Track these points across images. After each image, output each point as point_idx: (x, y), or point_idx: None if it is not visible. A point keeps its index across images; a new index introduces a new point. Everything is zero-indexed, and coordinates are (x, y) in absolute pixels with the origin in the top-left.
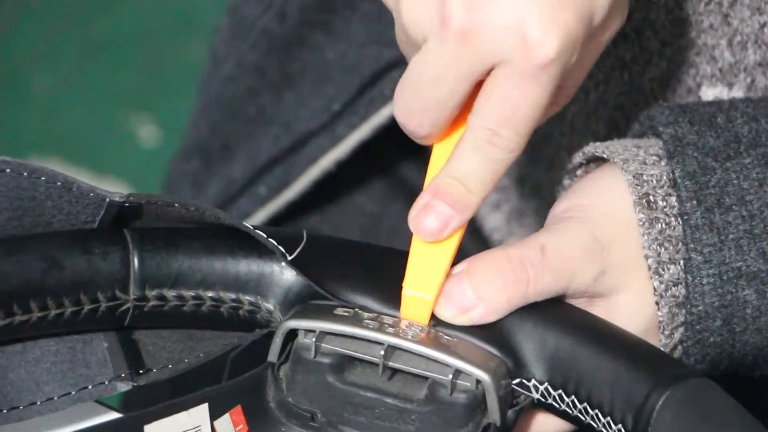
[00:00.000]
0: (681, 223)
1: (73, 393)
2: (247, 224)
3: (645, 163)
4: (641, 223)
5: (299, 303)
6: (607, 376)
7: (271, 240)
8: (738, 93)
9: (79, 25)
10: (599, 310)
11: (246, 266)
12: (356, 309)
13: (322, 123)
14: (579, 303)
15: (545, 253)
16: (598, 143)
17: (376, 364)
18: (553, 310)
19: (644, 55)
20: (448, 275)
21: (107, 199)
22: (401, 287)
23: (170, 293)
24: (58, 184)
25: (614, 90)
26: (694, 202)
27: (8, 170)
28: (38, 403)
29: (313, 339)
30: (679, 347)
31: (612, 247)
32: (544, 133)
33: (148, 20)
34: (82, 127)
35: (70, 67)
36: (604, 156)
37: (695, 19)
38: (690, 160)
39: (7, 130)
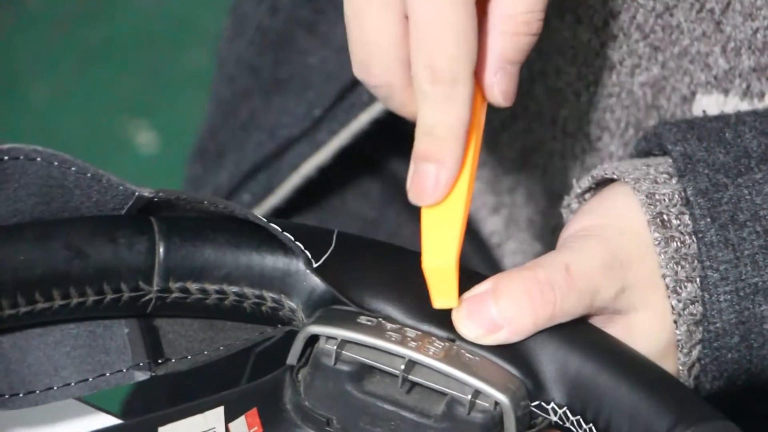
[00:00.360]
0: (696, 241)
1: (90, 380)
2: (275, 225)
3: (656, 182)
4: (657, 242)
5: (323, 305)
6: (627, 407)
7: (298, 243)
8: (734, 99)
9: (77, 32)
10: (618, 328)
11: (272, 263)
12: (380, 319)
13: (304, 129)
14: (598, 321)
15: (570, 273)
16: (606, 165)
17: (396, 376)
18: (577, 333)
19: (633, 58)
20: (463, 237)
21: (136, 193)
22: (428, 299)
23: (194, 286)
24: (88, 175)
25: (603, 91)
26: (708, 219)
27: (38, 159)
28: (55, 388)
29: (335, 346)
30: (697, 365)
31: (630, 265)
32: (536, 138)
33: (147, 27)
34: (81, 133)
35: (69, 74)
36: (615, 177)
37: (687, 27)
38: (701, 178)
39: (6, 136)
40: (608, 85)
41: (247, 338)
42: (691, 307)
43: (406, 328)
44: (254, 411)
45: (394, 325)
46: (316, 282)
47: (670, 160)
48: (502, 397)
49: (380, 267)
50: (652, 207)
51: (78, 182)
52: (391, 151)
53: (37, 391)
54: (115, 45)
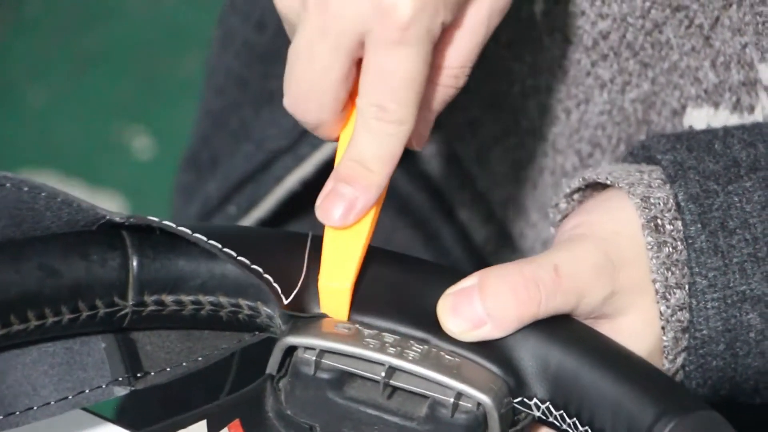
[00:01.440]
0: (686, 247)
1: (70, 398)
2: (243, 258)
3: (651, 186)
4: (650, 246)
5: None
6: (610, 401)
7: (268, 276)
8: (724, 112)
9: (73, 38)
10: (604, 330)
11: (246, 272)
12: (357, 325)
13: (289, 142)
14: (587, 322)
15: (558, 272)
16: (599, 169)
17: (377, 382)
18: (557, 328)
19: (623, 76)
20: (362, 261)
21: (106, 217)
22: (403, 301)
23: (169, 298)
24: (59, 199)
25: (594, 109)
26: (699, 225)
27: (8, 185)
28: (35, 408)
29: (313, 356)
30: (681, 372)
31: (623, 268)
32: (527, 154)
33: (143, 33)
34: (77, 139)
35: (65, 80)
36: (608, 182)
37: (677, 42)
38: (692, 183)
39: (2, 142)
40: (599, 103)
41: (226, 347)
42: (679, 313)
43: (384, 333)
44: (237, 422)
45: (371, 331)
46: None
47: (661, 169)
48: (484, 398)
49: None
50: (647, 211)
51: (48, 205)
52: None
53: (17, 412)
54: (112, 51)
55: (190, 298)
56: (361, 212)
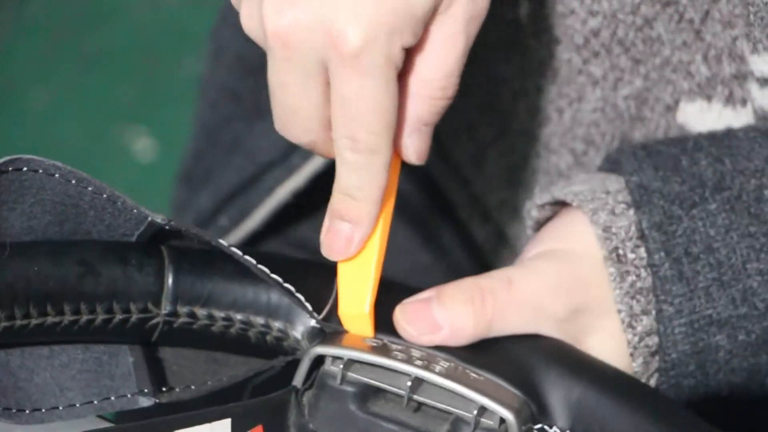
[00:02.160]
0: (650, 274)
1: (95, 402)
2: (276, 276)
3: (614, 213)
4: (612, 278)
5: (326, 334)
6: (627, 431)
7: (299, 296)
8: (717, 105)
9: (74, 39)
10: None
11: (278, 293)
12: (385, 341)
13: (280, 153)
14: None
15: (511, 285)
16: (566, 188)
17: (401, 397)
18: (580, 360)
19: (615, 72)
20: (377, 283)
21: (149, 218)
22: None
23: (201, 311)
24: (104, 196)
25: (587, 107)
26: (662, 253)
27: (57, 175)
28: (60, 408)
29: (341, 366)
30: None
31: (587, 289)
32: (520, 156)
33: (144, 34)
34: (78, 140)
35: (66, 81)
36: (573, 204)
37: (668, 38)
38: (656, 210)
39: (3, 143)
40: (592, 101)
41: (250, 368)
42: (647, 339)
43: (412, 349)
44: (260, 428)
45: (399, 346)
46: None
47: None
48: (507, 414)
49: (382, 300)
50: (609, 242)
51: (93, 203)
52: None
53: (43, 410)
54: (113, 52)
55: (222, 314)
56: (360, 242)
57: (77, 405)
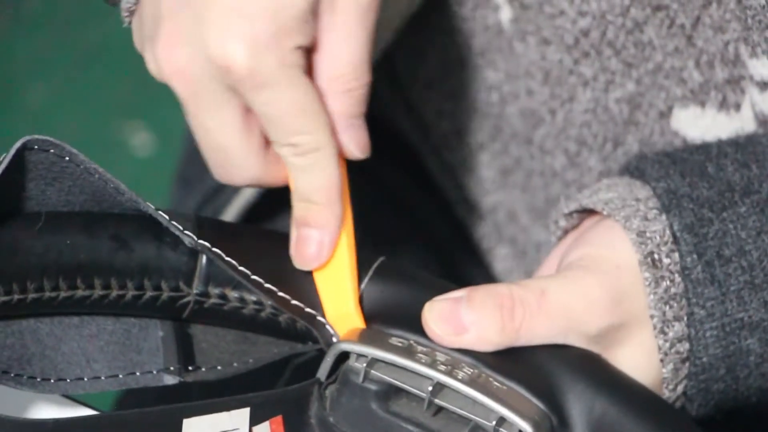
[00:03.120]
0: (682, 278)
1: (120, 376)
2: (285, 296)
3: (647, 219)
4: (647, 282)
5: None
6: None
7: (309, 311)
8: (711, 111)
9: (72, 35)
10: None
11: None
12: (411, 341)
13: None
14: None
15: (544, 297)
16: (595, 197)
17: (422, 399)
18: (605, 375)
19: (606, 74)
20: (356, 279)
21: (181, 230)
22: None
23: (233, 294)
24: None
25: (579, 108)
26: (694, 255)
27: (96, 176)
28: (85, 379)
29: (364, 364)
30: (682, 397)
31: (623, 303)
32: (514, 158)
33: None
34: (76, 135)
35: (65, 76)
36: (604, 212)
37: (659, 43)
38: (687, 213)
39: (2, 137)
40: (583, 102)
41: (277, 352)
42: (678, 345)
43: (437, 352)
44: (279, 418)
45: (425, 348)
46: None
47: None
48: (526, 427)
49: (415, 299)
50: (643, 246)
51: (129, 200)
52: (386, 161)
53: (68, 380)
54: (111, 47)
55: (253, 297)
56: (331, 245)
57: (102, 378)
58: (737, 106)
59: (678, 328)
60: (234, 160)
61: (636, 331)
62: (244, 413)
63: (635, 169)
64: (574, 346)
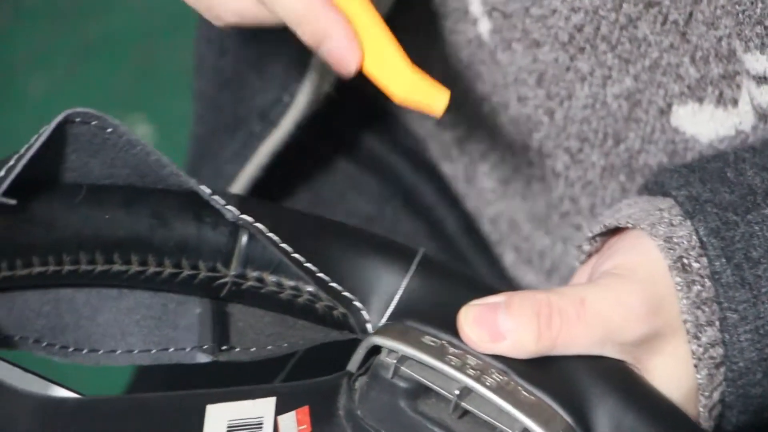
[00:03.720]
0: (713, 283)
1: (153, 351)
2: (333, 283)
3: (672, 225)
4: (679, 287)
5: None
6: None
7: (356, 303)
8: (708, 107)
9: (74, 27)
10: (639, 371)
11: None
12: (444, 342)
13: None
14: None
15: (583, 306)
16: (617, 214)
17: (450, 401)
18: (635, 392)
19: (602, 69)
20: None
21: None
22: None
23: (270, 278)
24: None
25: (578, 104)
26: (723, 259)
27: (139, 147)
28: (118, 352)
29: (394, 360)
30: (718, 405)
31: (659, 312)
32: (511, 167)
33: (143, 21)
34: None
35: (65, 69)
36: (629, 225)
37: (654, 39)
38: (711, 217)
39: (2, 130)
40: (581, 98)
41: (312, 338)
42: (711, 350)
43: (468, 356)
44: (306, 409)
45: (456, 350)
46: (393, 296)
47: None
48: None
49: (453, 297)
50: (672, 251)
51: (171, 173)
52: (388, 149)
53: (101, 351)
54: (112, 39)
55: (291, 283)
56: (352, 45)
57: (135, 351)
58: (734, 102)
59: (711, 333)
60: None
61: (670, 340)
62: (270, 402)
63: (654, 184)
64: (608, 357)
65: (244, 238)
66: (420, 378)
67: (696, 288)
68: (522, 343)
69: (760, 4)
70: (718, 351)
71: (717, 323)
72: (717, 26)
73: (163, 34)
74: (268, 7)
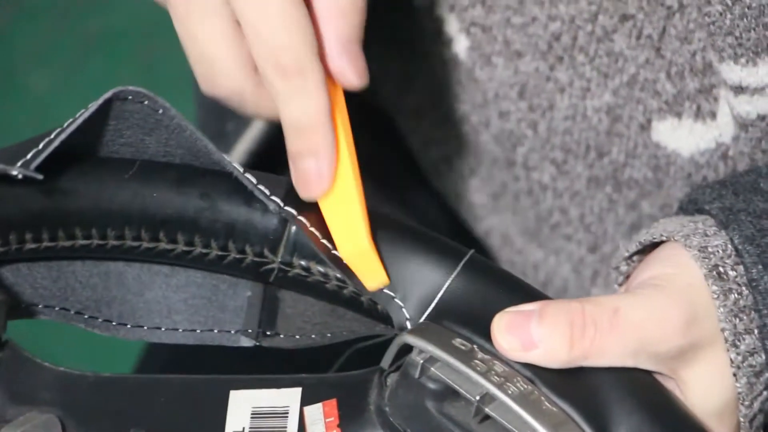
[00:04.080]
0: (751, 290)
1: (198, 331)
2: (367, 293)
3: (707, 235)
4: (716, 295)
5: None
6: None
7: (398, 301)
8: (687, 121)
9: (75, 22)
10: (676, 383)
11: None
12: (474, 346)
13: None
14: (657, 375)
15: (617, 316)
16: (652, 229)
17: (472, 405)
18: (661, 408)
19: (581, 81)
20: (367, 216)
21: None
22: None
23: (317, 267)
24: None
25: (559, 115)
26: (760, 266)
27: (188, 132)
28: (162, 329)
29: (423, 360)
30: (759, 415)
31: (697, 323)
32: (499, 183)
33: (145, 18)
34: None
35: (67, 64)
36: (663, 239)
37: (630, 54)
38: (745, 225)
39: (4, 127)
40: (562, 108)
41: (355, 330)
42: (750, 359)
43: (496, 361)
44: (333, 401)
45: (485, 356)
46: (432, 298)
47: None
48: None
49: (491, 301)
50: (707, 260)
51: (219, 160)
52: (387, 152)
53: (145, 327)
54: (113, 35)
55: (337, 274)
56: (330, 171)
57: (179, 330)
58: (713, 115)
59: (749, 341)
60: (223, 70)
61: (708, 350)
62: (295, 392)
63: (687, 203)
64: (638, 371)
65: (294, 227)
66: (447, 380)
67: (733, 296)
68: (554, 353)
69: (729, 15)
70: (757, 359)
71: (756, 331)
72: (690, 40)
73: (164, 31)
74: (275, 99)
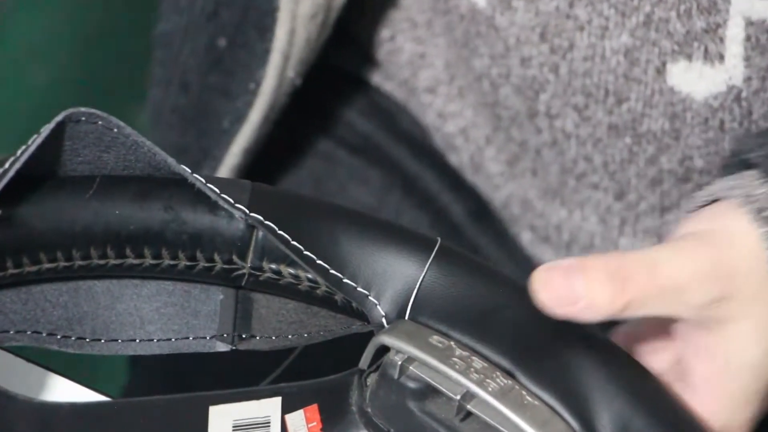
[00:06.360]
0: None
1: (173, 340)
2: (348, 280)
3: (752, 184)
4: (764, 237)
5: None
6: None
7: (371, 299)
8: (697, 63)
9: (76, 17)
10: (713, 336)
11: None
12: (452, 342)
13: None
14: (692, 324)
15: (656, 268)
16: (701, 192)
17: (454, 402)
18: (644, 394)
19: (600, 19)
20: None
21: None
22: (492, 323)
23: (287, 270)
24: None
25: (579, 55)
26: None
27: (145, 148)
28: (137, 341)
29: (401, 361)
30: None
31: (734, 277)
32: (519, 142)
33: (145, 11)
34: None
35: (67, 58)
36: (716, 198)
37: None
38: None
39: (4, 121)
40: (582, 48)
41: (332, 330)
42: None
43: (474, 358)
44: (315, 407)
45: (463, 352)
46: (411, 291)
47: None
48: None
49: (468, 292)
50: (752, 205)
51: (179, 173)
52: (391, 138)
53: (119, 341)
54: (114, 30)
55: (308, 275)
56: None
57: (154, 340)
58: (720, 57)
59: None
60: None
61: (753, 307)
62: (275, 402)
63: (731, 155)
64: (620, 355)
65: (260, 232)
66: (427, 378)
67: None
68: (596, 305)
69: None
70: None
71: None
72: None
73: None
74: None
